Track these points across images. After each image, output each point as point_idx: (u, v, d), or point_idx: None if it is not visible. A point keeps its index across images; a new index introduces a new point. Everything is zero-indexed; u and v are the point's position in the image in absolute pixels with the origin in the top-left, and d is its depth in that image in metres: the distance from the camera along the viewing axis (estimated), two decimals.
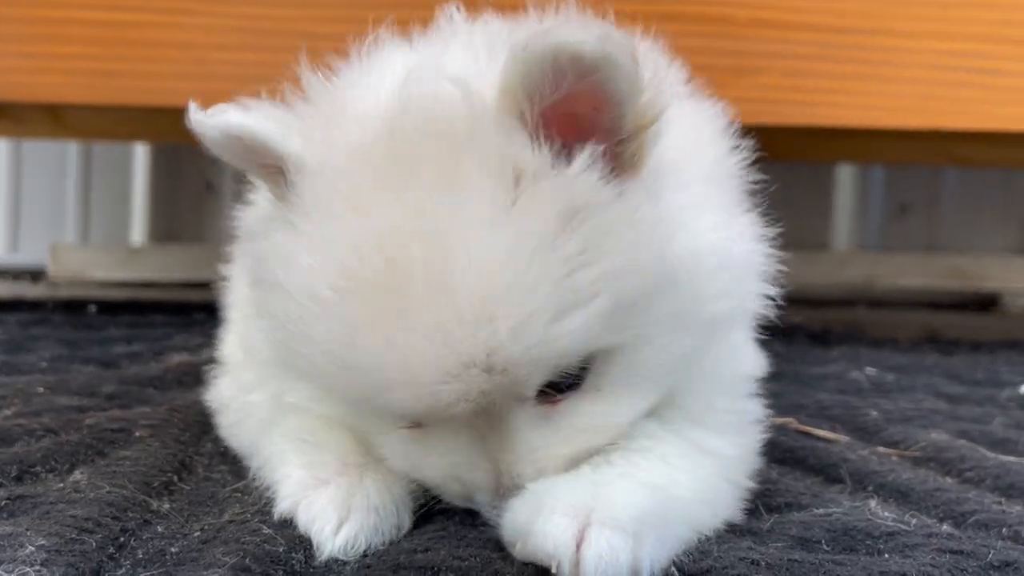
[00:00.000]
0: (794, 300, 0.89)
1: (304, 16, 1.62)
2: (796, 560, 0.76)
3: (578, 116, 0.71)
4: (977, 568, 0.77)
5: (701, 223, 0.78)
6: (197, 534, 0.83)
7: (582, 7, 0.79)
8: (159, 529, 0.85)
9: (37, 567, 0.70)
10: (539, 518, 0.73)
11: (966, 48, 1.57)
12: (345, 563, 0.77)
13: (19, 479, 0.96)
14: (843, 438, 1.23)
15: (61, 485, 0.92)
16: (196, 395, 1.38)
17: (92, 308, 2.25)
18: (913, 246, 2.97)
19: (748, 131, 0.90)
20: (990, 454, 1.14)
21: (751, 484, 0.89)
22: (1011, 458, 1.13)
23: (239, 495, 0.94)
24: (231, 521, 0.85)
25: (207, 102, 1.60)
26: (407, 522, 0.84)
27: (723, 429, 0.87)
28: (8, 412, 1.23)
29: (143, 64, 1.60)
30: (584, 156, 0.71)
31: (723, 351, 0.86)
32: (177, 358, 1.64)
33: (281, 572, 0.75)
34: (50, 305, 2.23)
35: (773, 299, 0.87)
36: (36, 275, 2.85)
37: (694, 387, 0.85)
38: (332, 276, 0.71)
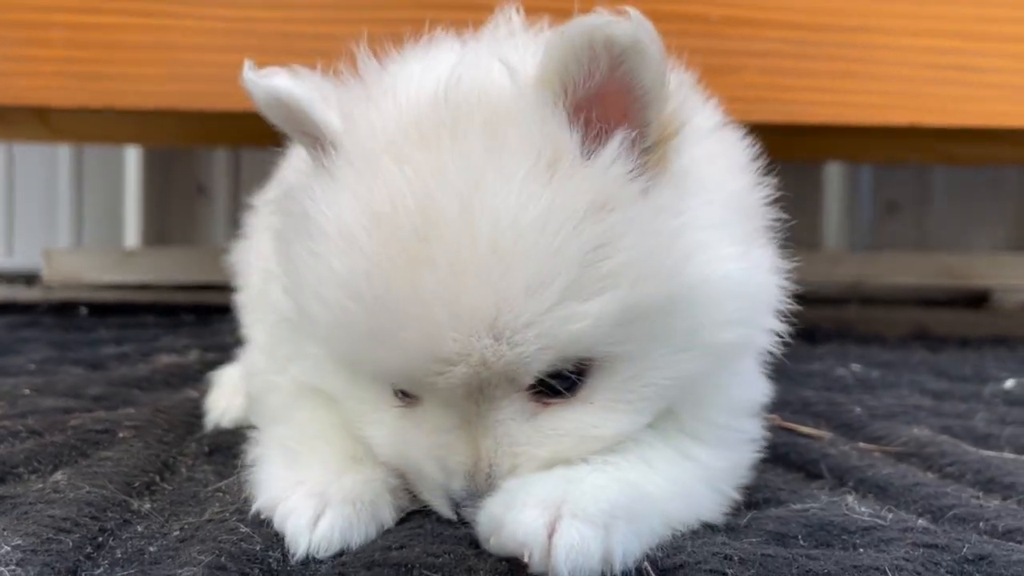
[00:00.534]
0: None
1: (286, 17, 1.62)
2: (770, 555, 0.76)
3: (608, 111, 0.74)
4: (951, 562, 0.77)
5: (722, 248, 0.79)
6: (176, 533, 0.83)
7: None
8: (139, 529, 0.85)
9: (12, 567, 0.71)
10: (511, 511, 0.74)
11: (943, 45, 1.57)
12: (321, 561, 0.77)
13: (1, 480, 0.96)
14: (826, 434, 1.23)
15: (41, 486, 0.93)
16: (182, 395, 1.39)
17: (83, 310, 2.25)
18: (903, 244, 2.97)
19: None
20: (971, 449, 1.14)
21: (736, 495, 0.89)
22: (992, 453, 1.13)
23: (220, 494, 0.94)
24: (210, 520, 0.86)
25: (190, 104, 1.61)
26: (389, 519, 0.84)
27: (714, 443, 0.87)
28: None
29: (126, 67, 1.60)
30: (614, 145, 0.73)
31: (729, 375, 0.87)
32: (165, 359, 1.64)
33: (257, 570, 0.75)
34: (41, 307, 2.23)
35: (780, 335, 0.89)
36: (30, 279, 2.85)
37: (693, 402, 0.85)
38: (364, 216, 0.74)
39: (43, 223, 2.95)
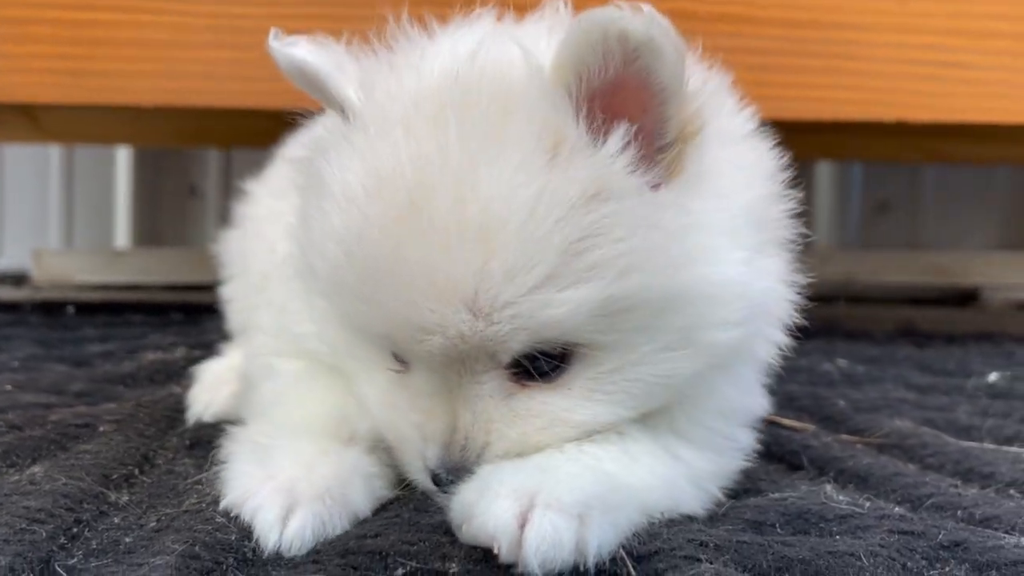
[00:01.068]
0: None
1: (275, 14, 1.61)
2: (745, 541, 0.76)
3: (624, 106, 0.74)
4: (926, 548, 0.77)
5: (726, 253, 0.78)
6: (152, 524, 0.83)
7: None
8: (115, 520, 0.85)
9: None
10: (482, 500, 0.73)
11: (929, 41, 1.57)
12: None
13: None
14: (809, 427, 1.23)
15: (17, 478, 0.92)
16: (166, 391, 1.38)
17: (70, 309, 2.25)
18: (893, 243, 2.98)
19: None
20: (951, 440, 1.14)
21: (720, 496, 0.88)
22: (972, 444, 1.14)
23: (199, 487, 0.94)
24: (186, 511, 0.85)
25: (178, 101, 1.61)
26: (364, 510, 0.84)
27: (702, 446, 0.87)
28: None
29: (113, 63, 1.59)
30: (618, 139, 0.74)
31: (725, 380, 0.86)
32: (150, 356, 1.63)
33: (231, 559, 0.75)
34: (27, 306, 2.23)
35: (782, 349, 0.90)
36: (19, 279, 2.85)
37: (685, 403, 0.85)
38: (367, 179, 0.76)
39: (33, 224, 2.95)
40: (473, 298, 0.72)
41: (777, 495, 0.91)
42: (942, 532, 0.80)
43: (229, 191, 2.92)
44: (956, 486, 0.97)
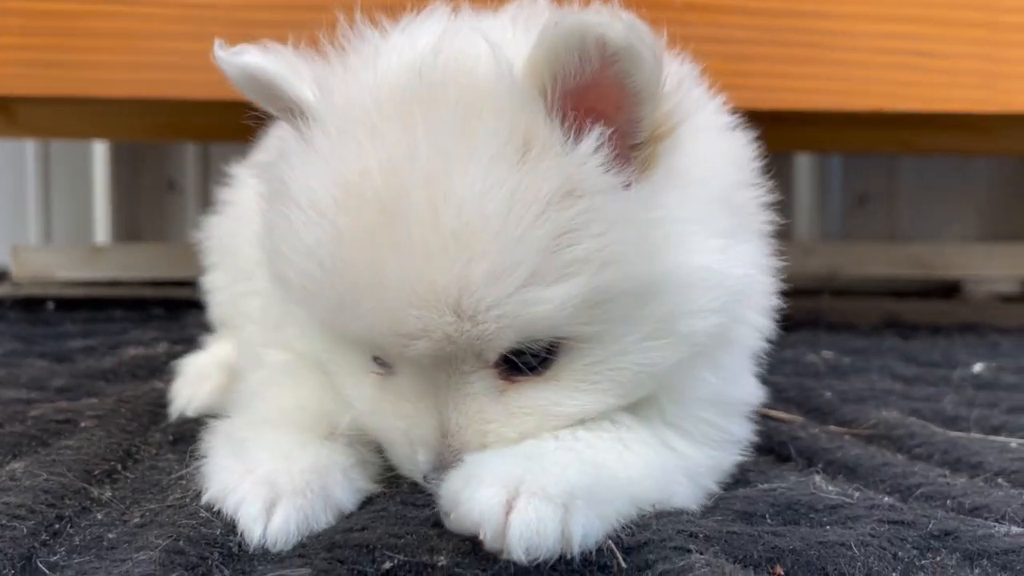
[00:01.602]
0: None
1: (250, 4, 1.59)
2: (735, 532, 0.76)
3: (598, 105, 0.73)
4: (917, 537, 0.77)
5: (701, 241, 0.78)
6: (136, 520, 0.82)
7: None
8: (98, 516, 0.84)
9: None
10: (468, 488, 0.73)
11: (904, 30, 1.56)
12: None
13: None
14: (797, 418, 1.23)
15: None
16: (149, 386, 1.37)
17: (50, 305, 2.22)
18: (874, 235, 2.99)
19: None
20: (939, 430, 1.15)
21: (717, 490, 0.88)
22: (959, 433, 1.14)
23: (183, 482, 0.93)
24: (170, 506, 0.84)
25: (150, 92, 1.59)
26: (347, 504, 0.82)
27: (698, 438, 0.87)
28: None
29: (85, 54, 1.56)
30: (592, 139, 0.73)
31: (711, 369, 0.86)
32: (132, 351, 1.62)
33: (217, 554, 0.74)
34: (7, 303, 2.20)
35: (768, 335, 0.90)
36: None
37: (675, 394, 0.85)
38: (335, 188, 0.74)
39: (11, 220, 2.91)
40: (457, 301, 0.71)
41: (766, 486, 0.90)
42: (932, 522, 0.80)
43: (208, 185, 2.90)
44: (945, 476, 0.97)
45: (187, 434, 1.12)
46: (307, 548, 0.74)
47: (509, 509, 0.70)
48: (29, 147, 2.86)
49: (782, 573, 0.71)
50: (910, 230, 2.98)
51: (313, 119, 0.79)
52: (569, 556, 0.69)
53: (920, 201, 2.96)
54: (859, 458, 1.03)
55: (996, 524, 0.81)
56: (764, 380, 1.29)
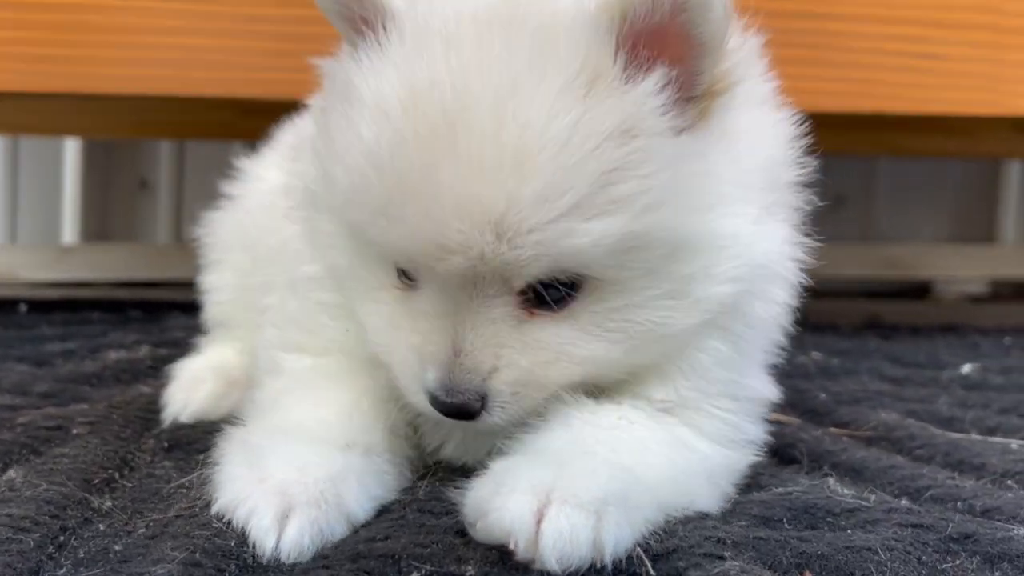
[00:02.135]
0: None
1: (250, 0, 1.56)
2: (761, 538, 0.75)
3: (663, 50, 0.75)
4: (937, 541, 0.77)
5: (737, 207, 0.80)
6: (142, 531, 0.80)
7: None
8: (101, 527, 0.81)
9: None
10: (498, 496, 0.71)
11: (906, 32, 1.58)
12: None
13: None
14: (795, 420, 1.23)
15: None
16: (135, 391, 1.34)
17: (23, 307, 2.17)
18: (849, 237, 3.01)
19: None
20: (938, 432, 1.15)
21: (733, 492, 0.88)
22: (959, 435, 1.15)
23: (184, 491, 0.91)
24: (178, 516, 0.82)
25: (147, 89, 1.55)
26: (361, 514, 0.81)
27: (717, 439, 0.87)
28: None
29: (81, 50, 1.52)
30: (654, 80, 0.75)
31: (731, 342, 0.86)
32: (114, 355, 1.58)
33: (233, 566, 0.72)
34: None
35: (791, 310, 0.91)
36: None
37: (695, 369, 0.85)
38: (403, 91, 0.75)
39: None
40: (500, 221, 0.72)
41: (781, 490, 0.90)
42: (951, 525, 0.80)
43: (182, 185, 2.85)
44: (953, 478, 0.97)
45: (182, 440, 1.10)
46: (330, 559, 0.72)
47: (540, 517, 0.69)
48: None
49: None
50: (883, 231, 3.00)
51: (393, 25, 0.79)
52: (599, 565, 0.68)
53: (894, 203, 2.99)
54: (865, 460, 1.03)
55: (1013, 526, 0.81)
56: None
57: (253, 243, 1.17)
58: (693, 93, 0.77)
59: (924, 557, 0.75)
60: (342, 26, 0.84)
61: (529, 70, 0.73)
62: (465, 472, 0.89)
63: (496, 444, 0.84)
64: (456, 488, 0.77)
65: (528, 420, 0.82)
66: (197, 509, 0.83)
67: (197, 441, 1.09)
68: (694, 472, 0.83)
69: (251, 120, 1.91)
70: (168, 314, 2.02)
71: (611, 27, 0.74)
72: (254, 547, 0.74)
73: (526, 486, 0.71)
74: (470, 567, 0.70)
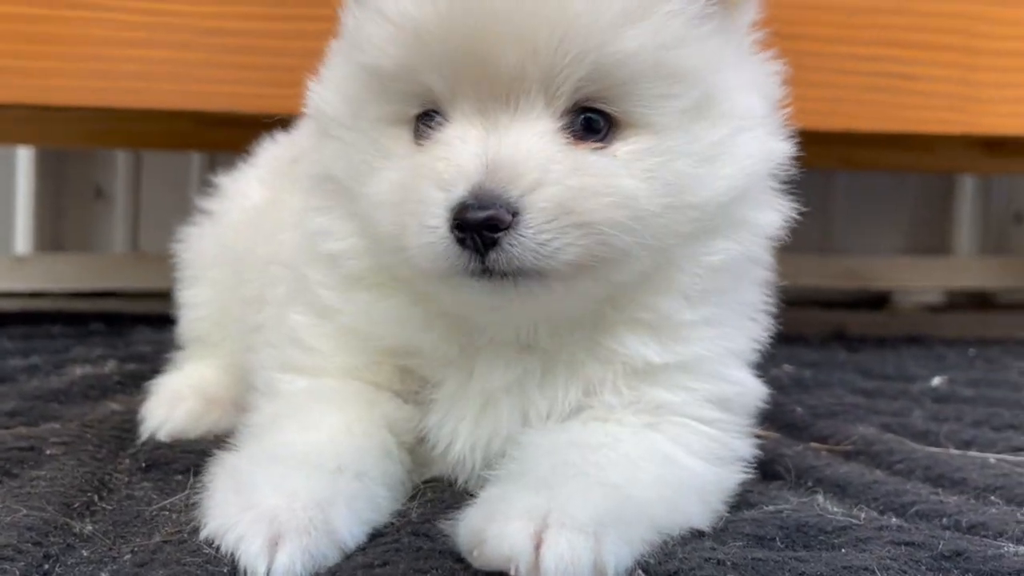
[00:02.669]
0: None
1: (215, 12, 1.54)
2: (760, 559, 0.75)
3: None
4: (930, 559, 0.78)
5: (754, 99, 0.87)
6: (128, 557, 0.78)
7: None
8: (84, 553, 0.79)
9: None
10: (494, 523, 0.71)
11: (876, 52, 1.60)
12: None
13: None
14: (774, 435, 1.24)
15: None
16: (105, 408, 1.31)
17: None
18: (808, 248, 3.05)
19: None
20: (917, 446, 1.16)
21: (724, 510, 0.88)
22: (937, 449, 1.16)
23: (167, 513, 0.89)
24: (166, 541, 0.80)
25: (106, 101, 1.52)
26: (350, 540, 0.78)
27: (705, 456, 0.87)
28: None
29: (34, 61, 1.49)
30: None
31: (719, 344, 0.88)
32: (80, 370, 1.54)
33: None
34: None
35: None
36: None
37: (700, 265, 0.86)
38: None
39: None
40: (555, 18, 0.75)
41: (772, 508, 0.91)
42: (941, 542, 0.81)
43: (138, 194, 2.80)
44: (936, 493, 0.98)
45: (159, 460, 1.07)
46: None
47: (539, 542, 0.68)
48: None
49: None
50: (842, 243, 3.04)
51: None
52: None
53: (852, 215, 3.03)
54: (848, 476, 1.04)
55: (1002, 543, 0.82)
56: None
57: (239, 257, 1.15)
58: None
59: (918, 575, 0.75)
60: None
61: None
62: (456, 494, 0.89)
63: (508, 438, 0.85)
64: (447, 518, 0.76)
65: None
66: (185, 535, 0.81)
67: (175, 461, 1.06)
68: (685, 489, 0.83)
69: (209, 131, 1.90)
70: (132, 327, 1.98)
71: None
72: (245, 573, 0.72)
73: (521, 511, 0.71)
74: None
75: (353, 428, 0.86)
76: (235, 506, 0.78)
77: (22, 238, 2.76)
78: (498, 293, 0.77)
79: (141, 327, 1.95)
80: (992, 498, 0.97)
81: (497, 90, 0.78)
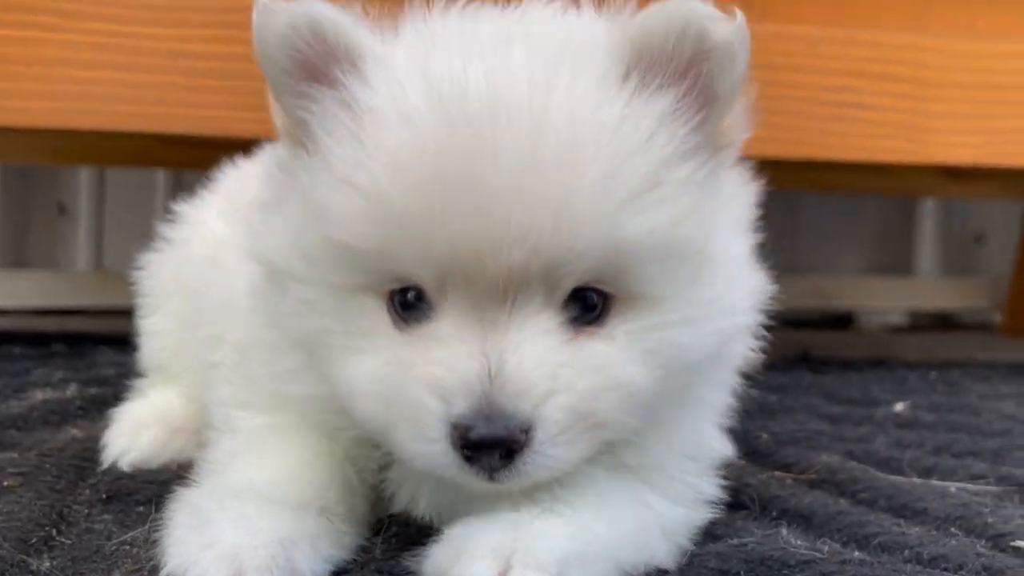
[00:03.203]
0: None
1: (175, 35, 1.53)
2: None
3: (675, 84, 0.76)
4: None
5: (742, 243, 0.85)
6: None
7: None
8: None
9: None
10: (458, 563, 0.71)
11: (834, 82, 1.64)
12: None
13: None
14: (739, 461, 1.24)
15: None
16: (66, 435, 1.29)
17: None
18: (773, 267, 3.07)
19: None
20: (880, 475, 1.17)
21: (690, 546, 0.87)
22: (900, 478, 1.17)
23: (127, 547, 0.88)
24: None
25: (68, 123, 1.51)
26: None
27: (674, 498, 0.86)
28: None
29: (1, 82, 1.48)
30: (670, 99, 0.75)
31: (688, 426, 0.87)
32: (40, 395, 1.51)
33: None
34: None
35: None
36: None
37: (656, 455, 0.84)
38: (426, 93, 0.73)
39: None
40: (559, 209, 0.69)
41: (736, 541, 0.91)
42: None
43: (103, 211, 2.77)
44: (899, 524, 0.99)
45: (120, 491, 1.06)
46: None
47: None
48: None
49: None
50: (806, 263, 3.07)
51: (398, 43, 0.79)
52: None
53: (816, 235, 3.06)
54: (812, 506, 1.04)
55: None
56: None
57: (196, 293, 1.13)
58: (704, 139, 0.78)
59: None
60: (293, 77, 0.80)
61: (559, 69, 0.73)
62: (421, 528, 0.88)
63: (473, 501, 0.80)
64: (412, 555, 0.76)
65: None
66: (145, 572, 0.80)
67: (136, 492, 1.05)
68: (652, 529, 0.83)
69: (171, 149, 1.88)
70: (94, 348, 1.95)
71: (626, 52, 0.75)
72: None
73: (486, 551, 0.71)
74: None
75: (315, 463, 0.85)
76: (195, 544, 0.77)
77: None
78: (499, 484, 0.74)
79: (103, 348, 1.92)
80: (952, 529, 0.98)
81: (492, 287, 0.72)
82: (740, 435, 1.36)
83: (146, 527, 0.90)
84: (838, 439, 1.39)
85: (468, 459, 0.71)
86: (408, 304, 0.76)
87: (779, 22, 1.60)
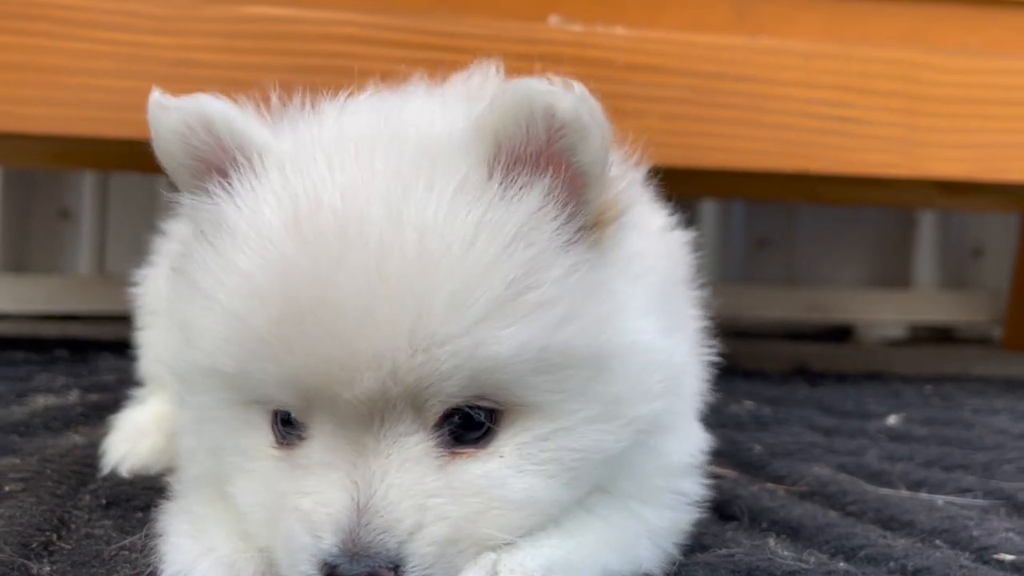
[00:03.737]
0: None
1: (180, 44, 1.55)
2: None
3: (545, 172, 0.72)
4: None
5: (650, 322, 0.78)
6: None
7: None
8: None
9: None
10: None
11: (828, 96, 1.65)
12: None
13: None
14: (731, 473, 1.26)
15: None
16: (67, 441, 1.31)
17: None
18: (772, 279, 3.09)
19: None
20: (869, 488, 1.19)
21: (677, 553, 0.88)
22: (888, 491, 1.19)
23: (127, 553, 0.89)
24: None
25: (73, 129, 1.52)
26: None
27: (657, 504, 0.87)
28: None
29: (5, 88, 1.50)
30: (538, 193, 0.72)
31: (657, 440, 0.85)
32: (43, 400, 1.53)
33: None
34: None
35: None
36: None
37: (635, 469, 0.83)
38: (286, 214, 0.71)
39: None
40: (413, 328, 0.66)
41: (724, 551, 0.92)
42: None
43: (105, 216, 2.79)
44: (885, 536, 1.00)
45: (120, 497, 1.08)
46: None
47: None
48: None
49: None
50: (805, 275, 3.09)
51: (267, 156, 0.76)
52: None
53: (815, 247, 3.07)
54: (802, 518, 1.06)
55: None
56: None
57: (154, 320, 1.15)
58: (582, 223, 0.74)
59: None
60: (195, 179, 0.79)
61: (418, 179, 0.70)
62: None
63: None
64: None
65: None
66: None
67: (136, 497, 1.07)
68: (638, 535, 0.84)
69: None
70: (97, 354, 1.97)
71: (485, 149, 0.72)
72: None
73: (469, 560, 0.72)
74: None
75: None
76: (192, 552, 0.78)
77: None
78: None
79: (105, 354, 1.94)
80: (937, 542, 1.00)
81: (357, 410, 0.69)
82: (733, 446, 1.38)
83: (144, 533, 0.91)
84: (831, 451, 1.40)
85: None
86: (287, 421, 0.74)
87: (773, 37, 1.62)
